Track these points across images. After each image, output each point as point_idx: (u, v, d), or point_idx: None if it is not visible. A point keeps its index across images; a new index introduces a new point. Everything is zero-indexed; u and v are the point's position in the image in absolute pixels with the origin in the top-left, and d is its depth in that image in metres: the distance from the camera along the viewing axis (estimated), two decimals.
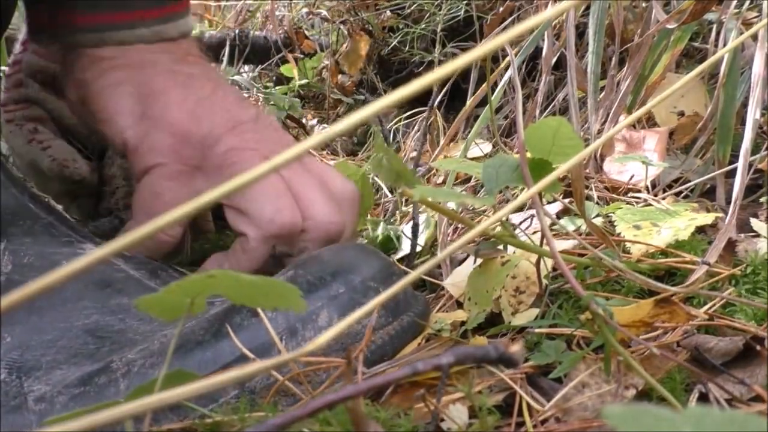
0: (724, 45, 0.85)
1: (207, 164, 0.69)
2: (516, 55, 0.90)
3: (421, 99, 1.37)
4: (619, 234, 0.69)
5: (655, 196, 0.81)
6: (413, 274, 0.34)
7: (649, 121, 0.99)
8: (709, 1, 0.77)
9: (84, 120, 0.78)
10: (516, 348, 0.31)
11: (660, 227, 0.69)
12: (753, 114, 0.74)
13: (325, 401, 0.32)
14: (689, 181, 0.84)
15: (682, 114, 0.95)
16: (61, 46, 0.77)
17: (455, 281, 0.70)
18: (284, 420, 0.31)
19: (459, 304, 0.68)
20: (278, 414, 0.40)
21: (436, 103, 1.14)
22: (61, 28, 0.75)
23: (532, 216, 0.77)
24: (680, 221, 0.69)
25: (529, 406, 0.50)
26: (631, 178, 0.85)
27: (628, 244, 0.68)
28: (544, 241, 0.59)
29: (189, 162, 0.69)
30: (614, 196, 0.83)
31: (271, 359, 0.32)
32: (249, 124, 0.71)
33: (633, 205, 0.78)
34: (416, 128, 1.28)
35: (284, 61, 1.57)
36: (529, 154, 0.59)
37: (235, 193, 0.66)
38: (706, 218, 0.68)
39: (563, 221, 0.76)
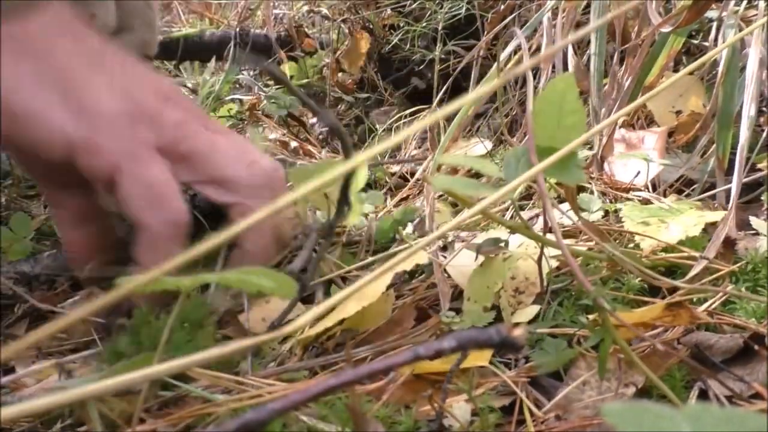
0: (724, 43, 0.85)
1: (162, 142, 0.63)
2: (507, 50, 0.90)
3: (422, 97, 1.37)
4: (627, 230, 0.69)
5: (657, 194, 0.81)
6: (405, 255, 0.33)
7: (647, 119, 0.99)
8: (704, 4, 0.77)
9: None
10: (518, 332, 0.30)
11: (668, 224, 0.69)
12: (749, 111, 0.74)
13: (326, 386, 0.31)
14: (690, 179, 0.84)
15: (680, 113, 0.95)
16: None
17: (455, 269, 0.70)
18: (283, 405, 0.30)
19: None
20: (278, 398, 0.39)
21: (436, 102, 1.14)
22: None
23: (538, 215, 0.77)
24: (689, 218, 0.69)
25: (529, 404, 0.51)
26: (637, 175, 0.85)
27: (638, 240, 0.68)
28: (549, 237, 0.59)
29: (149, 143, 0.62)
30: (617, 193, 0.84)
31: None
32: (173, 92, 0.67)
33: (638, 203, 0.78)
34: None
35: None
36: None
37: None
38: (715, 215, 0.69)
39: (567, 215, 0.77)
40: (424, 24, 1.38)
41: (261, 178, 0.66)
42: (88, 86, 0.61)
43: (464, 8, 1.33)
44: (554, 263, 0.65)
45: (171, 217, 0.62)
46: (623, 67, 0.91)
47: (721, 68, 0.81)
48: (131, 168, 0.60)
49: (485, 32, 1.16)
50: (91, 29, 0.65)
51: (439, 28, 1.33)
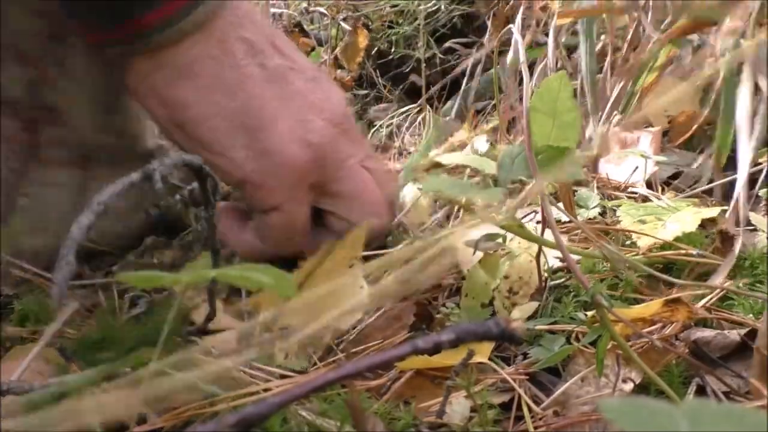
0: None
1: (320, 181, 0.70)
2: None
3: (421, 94, 1.37)
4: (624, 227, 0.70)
5: (653, 192, 0.82)
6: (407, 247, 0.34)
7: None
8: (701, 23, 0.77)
9: (180, 143, 0.70)
10: (517, 324, 0.30)
11: (664, 221, 0.69)
12: (746, 109, 0.74)
13: (325, 380, 0.31)
14: (686, 178, 0.85)
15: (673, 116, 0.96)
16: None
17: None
18: (283, 399, 0.30)
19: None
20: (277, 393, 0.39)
21: (426, 99, 1.14)
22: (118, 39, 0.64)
23: (535, 212, 0.77)
24: (686, 215, 0.69)
25: (528, 400, 0.51)
26: (634, 170, 0.85)
27: (635, 238, 0.68)
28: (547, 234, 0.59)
29: (309, 186, 0.69)
30: (614, 192, 0.84)
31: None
32: (345, 119, 0.71)
33: (635, 200, 0.79)
34: (409, 122, 1.28)
35: None
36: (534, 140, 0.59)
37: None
38: (712, 211, 0.69)
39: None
40: (418, 23, 1.38)
41: (381, 229, 0.72)
42: (272, 129, 0.66)
43: (442, 7, 1.33)
44: (556, 263, 0.65)
45: (292, 251, 0.70)
46: (625, 66, 0.91)
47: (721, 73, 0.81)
48: (287, 208, 0.68)
49: (488, 33, 1.17)
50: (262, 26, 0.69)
51: (421, 26, 1.33)
